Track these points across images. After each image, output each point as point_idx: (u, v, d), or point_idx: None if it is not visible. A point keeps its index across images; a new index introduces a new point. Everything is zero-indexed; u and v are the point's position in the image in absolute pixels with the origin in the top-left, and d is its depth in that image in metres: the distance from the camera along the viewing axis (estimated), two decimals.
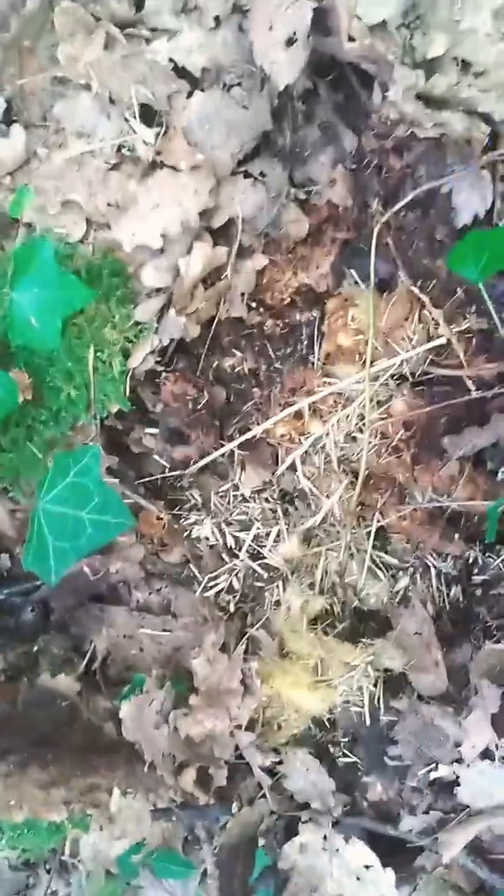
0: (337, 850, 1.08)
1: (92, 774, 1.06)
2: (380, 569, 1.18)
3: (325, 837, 1.08)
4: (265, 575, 1.19)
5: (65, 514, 1.00)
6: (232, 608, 1.19)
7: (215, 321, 1.14)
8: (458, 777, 1.03)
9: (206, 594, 1.19)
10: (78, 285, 0.97)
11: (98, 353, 1.05)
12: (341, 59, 1.06)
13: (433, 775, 1.06)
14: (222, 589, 1.19)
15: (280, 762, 1.12)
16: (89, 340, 1.04)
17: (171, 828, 1.10)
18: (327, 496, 1.16)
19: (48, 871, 1.35)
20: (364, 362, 1.10)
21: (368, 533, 1.17)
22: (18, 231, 1.07)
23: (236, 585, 1.19)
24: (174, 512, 1.19)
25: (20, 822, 1.01)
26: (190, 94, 1.07)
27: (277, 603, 1.18)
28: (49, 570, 1.00)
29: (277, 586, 1.18)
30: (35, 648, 1.23)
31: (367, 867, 1.07)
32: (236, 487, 1.18)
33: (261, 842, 1.12)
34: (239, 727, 1.07)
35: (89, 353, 1.04)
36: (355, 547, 1.17)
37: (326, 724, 1.15)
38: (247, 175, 1.10)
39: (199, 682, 1.07)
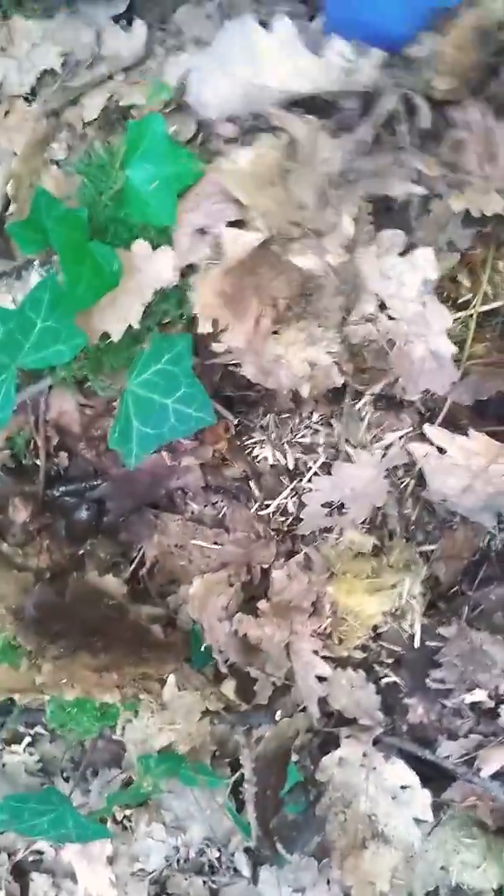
0: (375, 767, 1.09)
1: (143, 665, 1.06)
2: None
3: (364, 755, 1.09)
4: None
5: (152, 399, 1.01)
6: (285, 528, 1.20)
7: None
8: None
9: (261, 512, 1.20)
10: (189, 158, 0.97)
11: None
12: None
13: (476, 698, 1.07)
14: (277, 510, 1.21)
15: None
16: None
17: (209, 734, 1.10)
18: None
19: (66, 780, 1.33)
20: None
21: None
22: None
23: (291, 508, 1.20)
24: (239, 428, 1.20)
25: (71, 700, 1.01)
26: None
27: (328, 529, 1.19)
28: (131, 452, 1.01)
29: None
30: (81, 552, 1.23)
31: (403, 788, 1.08)
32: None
33: (294, 757, 1.13)
34: None
35: None
36: None
37: (372, 644, 1.16)
38: None
39: (272, 591, 1.09)
